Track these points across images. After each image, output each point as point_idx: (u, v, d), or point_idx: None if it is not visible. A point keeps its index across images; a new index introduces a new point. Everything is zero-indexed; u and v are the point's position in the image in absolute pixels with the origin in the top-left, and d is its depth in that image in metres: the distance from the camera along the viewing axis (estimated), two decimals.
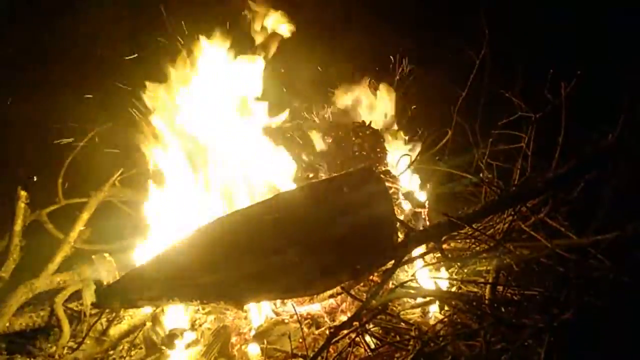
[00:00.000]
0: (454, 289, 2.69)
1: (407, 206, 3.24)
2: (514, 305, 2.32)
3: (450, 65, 3.92)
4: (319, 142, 3.42)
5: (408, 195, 3.30)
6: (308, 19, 3.69)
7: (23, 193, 3.06)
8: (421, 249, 2.58)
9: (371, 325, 2.34)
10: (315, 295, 2.62)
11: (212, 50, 3.10)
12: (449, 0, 4.45)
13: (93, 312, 2.80)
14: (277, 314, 2.68)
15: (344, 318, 2.59)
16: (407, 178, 3.48)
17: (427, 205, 3.25)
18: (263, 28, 3.23)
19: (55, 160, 3.49)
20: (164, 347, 2.53)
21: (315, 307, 2.70)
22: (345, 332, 2.16)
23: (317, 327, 2.59)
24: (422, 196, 3.42)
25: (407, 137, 3.60)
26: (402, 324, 2.37)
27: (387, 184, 3.05)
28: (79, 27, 3.98)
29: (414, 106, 3.74)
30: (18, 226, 3.00)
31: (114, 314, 2.82)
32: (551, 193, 2.55)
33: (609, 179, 2.51)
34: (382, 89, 3.64)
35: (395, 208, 2.95)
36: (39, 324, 2.72)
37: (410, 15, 4.33)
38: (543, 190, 2.41)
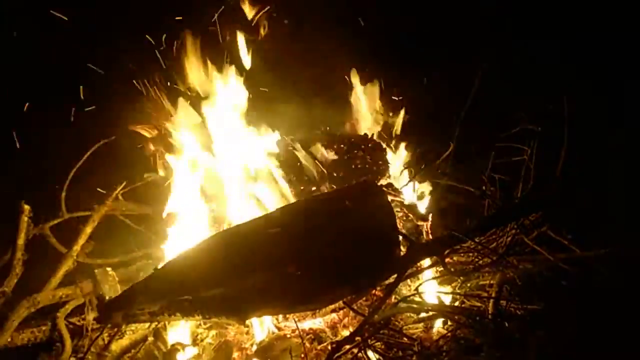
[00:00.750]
0: (457, 304, 2.67)
1: (409, 219, 3.23)
2: (518, 320, 2.31)
3: (452, 78, 3.93)
4: (321, 155, 3.43)
5: (410, 209, 3.29)
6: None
7: (26, 207, 3.07)
8: (424, 262, 2.58)
9: (373, 340, 2.33)
10: (317, 310, 2.61)
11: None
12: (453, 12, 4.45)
13: (95, 326, 2.79)
14: (279, 328, 2.67)
15: (346, 333, 2.58)
16: (409, 191, 3.48)
17: (429, 219, 3.24)
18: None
19: (58, 173, 3.50)
20: None
21: (317, 321, 2.69)
22: (347, 347, 2.15)
23: (319, 342, 2.58)
24: (424, 209, 3.41)
25: (407, 148, 3.60)
26: (404, 338, 2.36)
27: (389, 197, 3.05)
28: None
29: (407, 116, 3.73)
30: (21, 240, 3.00)
31: (115, 329, 2.81)
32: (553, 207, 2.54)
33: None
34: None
35: (398, 221, 2.94)
36: (40, 339, 2.71)
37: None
38: (545, 204, 2.41)
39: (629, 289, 2.14)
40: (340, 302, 2.47)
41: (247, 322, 2.58)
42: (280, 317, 2.69)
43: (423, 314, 2.56)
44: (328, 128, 3.70)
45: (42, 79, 4.12)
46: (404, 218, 3.19)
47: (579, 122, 2.60)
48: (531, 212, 2.57)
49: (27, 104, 3.81)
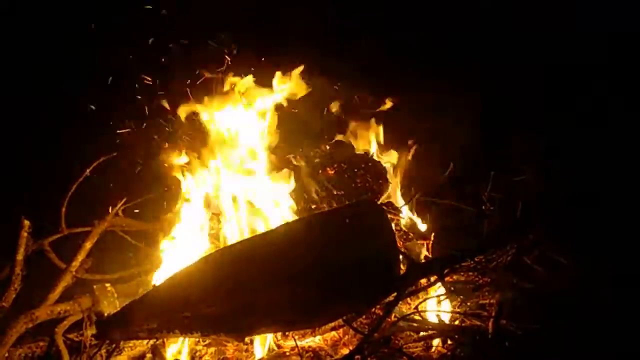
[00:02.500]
0: (456, 322, 2.67)
1: (409, 238, 3.23)
2: (518, 339, 2.31)
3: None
4: (321, 174, 3.45)
5: (410, 227, 3.30)
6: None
7: (26, 222, 3.07)
8: (424, 281, 2.58)
9: (373, 359, 2.32)
10: (317, 328, 2.61)
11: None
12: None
13: (93, 343, 2.77)
14: (278, 346, 2.66)
15: (345, 351, 2.57)
16: (409, 210, 3.49)
17: (430, 238, 3.24)
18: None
19: (59, 189, 3.51)
20: None
21: (316, 339, 2.68)
22: None
23: None
24: (424, 228, 3.42)
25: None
26: (404, 357, 2.35)
27: (389, 215, 3.06)
28: None
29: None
30: (20, 255, 3.00)
31: (113, 345, 2.80)
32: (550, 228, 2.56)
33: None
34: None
35: (398, 240, 2.95)
36: (38, 355, 2.70)
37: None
38: (545, 223, 2.42)
39: (626, 307, 2.14)
40: (340, 320, 2.46)
41: (247, 339, 2.57)
42: (280, 334, 2.68)
43: (423, 333, 2.55)
44: (328, 147, 3.72)
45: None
46: (404, 237, 3.20)
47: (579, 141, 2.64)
48: (530, 232, 2.58)
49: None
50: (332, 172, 3.43)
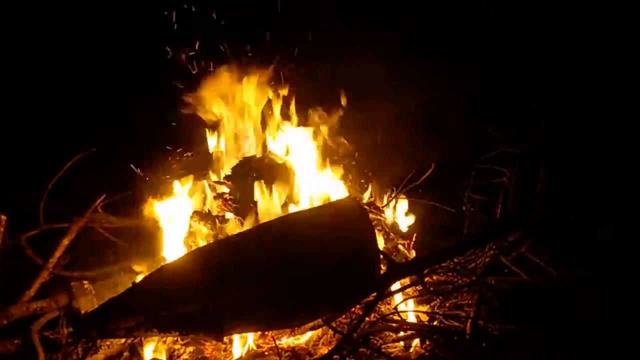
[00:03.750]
0: (435, 323, 2.68)
1: (390, 238, 3.25)
2: (495, 340, 2.33)
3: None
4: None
5: (392, 227, 3.31)
6: None
7: (2, 217, 3.02)
8: (404, 281, 2.59)
9: (352, 359, 2.32)
10: (296, 328, 2.60)
11: None
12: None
13: (69, 340, 2.74)
14: (258, 346, 2.65)
15: (324, 351, 2.57)
16: (390, 210, 3.50)
17: (410, 238, 3.26)
18: None
19: (37, 184, 3.46)
20: None
21: (295, 339, 2.68)
22: None
23: None
24: (405, 228, 3.43)
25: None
26: (383, 357, 2.36)
27: (370, 215, 3.07)
28: None
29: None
30: None
31: (90, 344, 2.77)
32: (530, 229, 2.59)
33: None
34: None
35: (379, 240, 2.95)
36: (13, 352, 2.66)
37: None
38: (523, 225, 2.45)
39: (605, 308, 2.17)
40: (319, 319, 2.46)
41: (225, 339, 2.56)
42: (258, 334, 2.67)
43: (402, 333, 2.56)
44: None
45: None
46: (385, 237, 3.21)
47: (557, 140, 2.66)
48: (509, 233, 2.60)
49: None
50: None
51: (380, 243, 3.09)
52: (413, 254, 3.20)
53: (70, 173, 3.48)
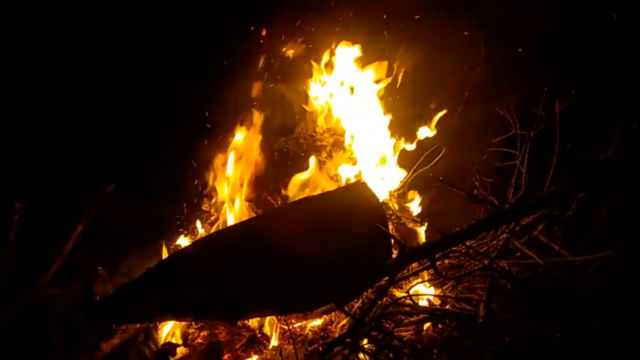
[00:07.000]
0: (448, 307, 2.68)
1: (402, 222, 3.24)
2: (508, 324, 2.32)
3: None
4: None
5: (403, 212, 3.31)
6: None
7: (18, 205, 3.05)
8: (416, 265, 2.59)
9: (364, 342, 2.33)
10: (309, 312, 2.62)
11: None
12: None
13: (85, 326, 2.77)
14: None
15: (336, 335, 2.58)
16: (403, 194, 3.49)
17: (421, 222, 3.25)
18: None
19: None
20: None
21: (308, 323, 2.69)
22: (337, 349, 2.15)
23: (310, 344, 2.58)
24: (417, 212, 3.42)
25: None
26: (395, 341, 2.36)
27: (382, 200, 3.07)
28: None
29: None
30: (12, 236, 2.99)
31: (106, 329, 2.80)
32: (545, 211, 2.56)
33: (605, 199, 2.52)
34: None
35: (390, 224, 2.95)
36: (30, 338, 2.69)
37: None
38: (536, 208, 2.43)
39: (618, 294, 2.15)
40: (332, 304, 2.47)
41: (239, 323, 2.58)
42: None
43: (414, 317, 2.56)
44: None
45: None
46: (397, 221, 3.20)
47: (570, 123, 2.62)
48: (522, 216, 2.58)
49: None
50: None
51: (392, 227, 3.09)
52: (424, 237, 3.19)
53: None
